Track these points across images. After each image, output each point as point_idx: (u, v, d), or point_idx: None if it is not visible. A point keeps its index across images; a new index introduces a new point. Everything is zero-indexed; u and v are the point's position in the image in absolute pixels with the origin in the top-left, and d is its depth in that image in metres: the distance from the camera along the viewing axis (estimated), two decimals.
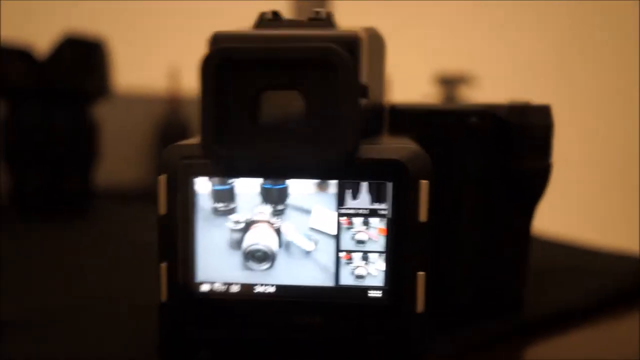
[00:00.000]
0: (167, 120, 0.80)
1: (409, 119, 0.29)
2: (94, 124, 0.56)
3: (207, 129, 0.21)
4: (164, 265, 0.23)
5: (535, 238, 0.32)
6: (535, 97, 0.29)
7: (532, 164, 0.28)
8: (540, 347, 0.28)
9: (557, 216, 0.53)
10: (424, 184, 0.22)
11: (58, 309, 0.30)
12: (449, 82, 0.73)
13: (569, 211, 0.83)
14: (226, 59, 0.20)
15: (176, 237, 0.23)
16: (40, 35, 0.55)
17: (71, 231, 0.48)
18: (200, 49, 0.23)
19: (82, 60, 0.53)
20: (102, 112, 0.58)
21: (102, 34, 0.56)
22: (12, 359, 0.25)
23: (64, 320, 0.29)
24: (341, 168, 0.22)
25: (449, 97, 0.71)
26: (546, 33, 1.00)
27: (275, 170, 0.23)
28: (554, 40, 1.00)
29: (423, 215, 0.22)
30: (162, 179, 0.23)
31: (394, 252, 0.23)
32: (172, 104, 0.81)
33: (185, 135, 0.28)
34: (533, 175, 0.29)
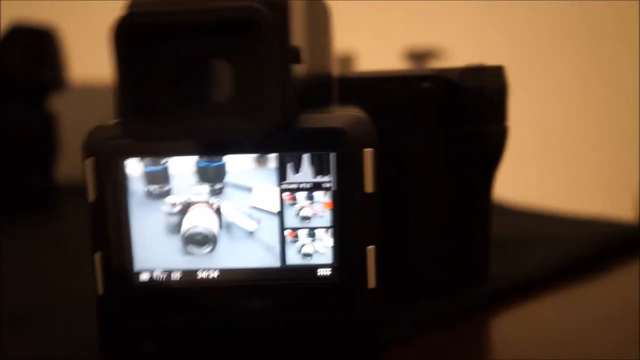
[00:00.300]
0: None
1: (359, 88, 0.28)
2: (51, 117, 0.54)
3: (122, 104, 0.19)
4: (97, 255, 0.22)
5: (497, 206, 0.31)
6: (507, 65, 0.28)
7: (488, 127, 0.27)
8: (505, 321, 0.27)
9: (517, 183, 0.52)
10: (368, 152, 0.21)
11: (18, 309, 0.29)
12: (419, 57, 0.71)
13: (528, 177, 0.82)
14: (138, 24, 0.18)
15: (109, 225, 0.22)
16: None
17: (32, 228, 0.46)
18: None
19: (32, 49, 0.51)
20: (59, 105, 0.56)
21: (53, 22, 0.54)
22: None
23: (26, 320, 0.28)
24: (279, 140, 0.21)
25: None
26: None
27: (207, 146, 0.21)
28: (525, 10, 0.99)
29: (369, 186, 0.21)
30: (89, 162, 0.22)
31: (341, 227, 0.22)
32: None
33: None
34: (489, 139, 0.28)
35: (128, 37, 0.19)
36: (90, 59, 0.66)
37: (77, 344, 0.25)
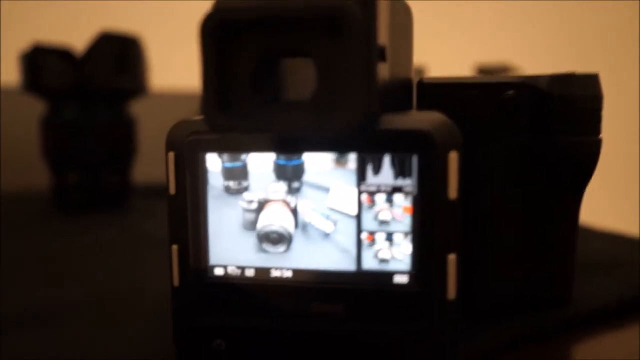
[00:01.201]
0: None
1: (439, 94, 0.27)
2: (131, 122, 0.56)
3: (208, 98, 0.19)
4: (175, 247, 0.22)
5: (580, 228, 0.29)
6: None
7: (578, 139, 0.26)
8: (588, 345, 0.25)
9: (600, 202, 0.49)
10: (454, 155, 0.20)
11: (87, 302, 0.30)
12: (490, 72, 0.69)
13: (613, 197, 0.78)
14: (225, 19, 0.18)
15: (187, 218, 0.22)
16: (76, 35, 0.56)
17: (109, 228, 0.48)
18: None
19: (118, 57, 0.53)
20: (139, 110, 0.58)
21: (137, 31, 0.56)
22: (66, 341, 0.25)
23: (93, 312, 0.29)
24: (360, 140, 0.21)
25: None
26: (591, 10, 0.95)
27: (286, 143, 0.21)
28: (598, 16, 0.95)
29: (453, 191, 0.20)
30: (171, 156, 0.22)
31: (421, 233, 0.21)
32: None
33: None
34: (579, 152, 0.26)
35: (216, 32, 0.19)
36: (168, 68, 0.69)
37: (151, 339, 0.25)
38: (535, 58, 0.80)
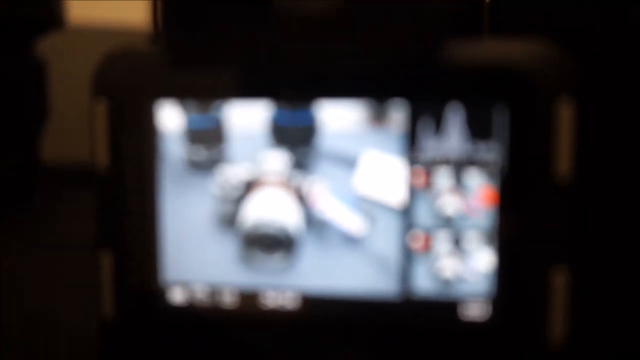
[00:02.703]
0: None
1: (528, 15, 0.19)
2: (39, 69, 0.40)
3: (177, 9, 0.14)
4: (106, 256, 0.15)
5: None
6: None
7: None
8: None
9: None
10: (567, 108, 0.14)
11: None
12: None
13: None
14: None
15: (127, 209, 0.15)
16: None
17: (7, 231, 0.35)
18: None
19: None
20: (51, 50, 0.42)
21: None
22: None
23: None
24: (412, 78, 0.14)
25: None
26: None
27: (297, 86, 0.14)
28: None
29: (565, 165, 0.14)
30: (100, 108, 0.14)
31: (512, 235, 0.14)
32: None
33: None
34: None
35: None
36: None
37: None
38: None
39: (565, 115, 0.14)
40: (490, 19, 0.19)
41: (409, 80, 0.14)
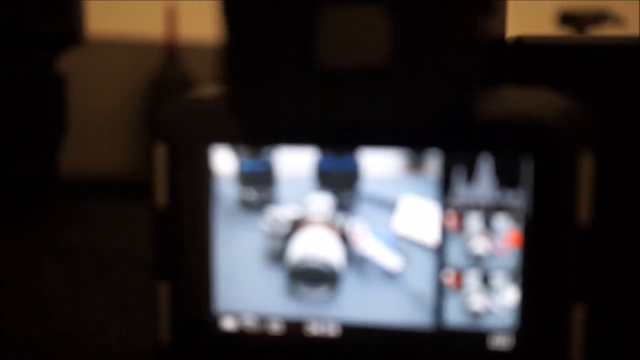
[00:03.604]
0: (162, 76, 0.53)
1: (544, 60, 0.19)
2: (60, 81, 0.37)
3: (234, 65, 0.14)
4: (164, 286, 0.15)
5: None
6: None
7: None
8: None
9: None
10: (587, 159, 0.14)
11: None
12: (577, 21, 0.55)
13: None
14: None
15: (183, 244, 0.16)
16: None
17: (25, 237, 0.33)
18: None
19: None
20: (71, 65, 0.40)
21: None
22: None
23: None
24: (448, 131, 0.15)
25: None
26: None
27: (342, 135, 0.15)
28: None
29: (585, 212, 0.15)
30: (160, 151, 0.15)
31: (536, 274, 0.15)
32: (170, 52, 0.54)
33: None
34: None
35: None
36: (116, 11, 0.48)
37: None
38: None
39: (585, 166, 0.15)
40: (508, 65, 0.20)
41: (443, 132, 0.15)
